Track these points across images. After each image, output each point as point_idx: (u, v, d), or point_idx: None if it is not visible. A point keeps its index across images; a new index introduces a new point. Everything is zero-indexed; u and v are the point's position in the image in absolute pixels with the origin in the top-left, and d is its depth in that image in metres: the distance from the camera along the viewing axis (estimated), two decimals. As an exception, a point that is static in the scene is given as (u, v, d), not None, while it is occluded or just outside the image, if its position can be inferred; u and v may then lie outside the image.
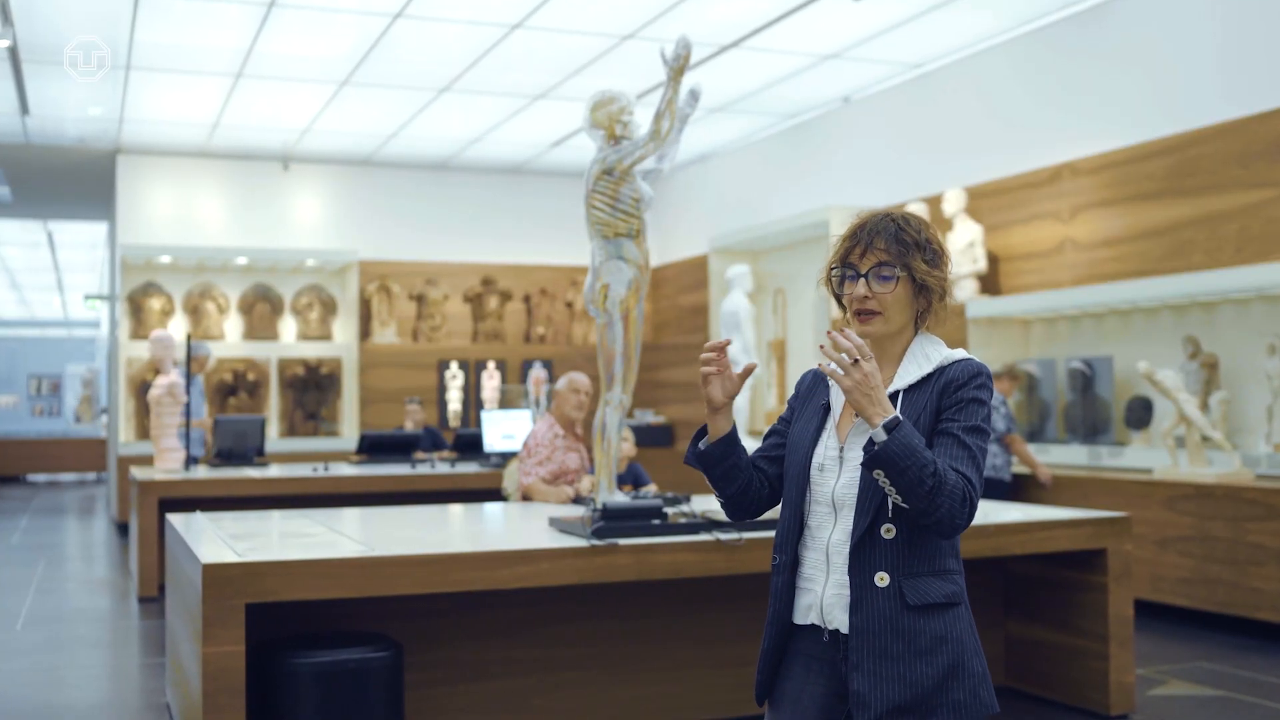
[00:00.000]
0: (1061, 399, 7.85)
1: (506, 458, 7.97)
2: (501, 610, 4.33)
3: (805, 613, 2.14)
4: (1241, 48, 6.90)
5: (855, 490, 2.07)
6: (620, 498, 4.40)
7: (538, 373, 10.66)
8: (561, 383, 5.77)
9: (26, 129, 10.86)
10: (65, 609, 7.38)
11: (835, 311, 9.50)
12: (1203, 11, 7.13)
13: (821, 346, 2.01)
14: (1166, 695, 5.04)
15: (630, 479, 5.93)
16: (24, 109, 10.06)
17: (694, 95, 4.32)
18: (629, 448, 5.99)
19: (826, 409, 2.18)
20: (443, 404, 12.23)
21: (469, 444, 8.95)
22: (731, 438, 2.17)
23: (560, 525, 4.34)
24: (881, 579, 2.04)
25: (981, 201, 8.58)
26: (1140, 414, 7.22)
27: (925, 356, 2.13)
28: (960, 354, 2.13)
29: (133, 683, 5.54)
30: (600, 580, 3.98)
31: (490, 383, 12.06)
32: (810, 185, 10.56)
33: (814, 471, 2.14)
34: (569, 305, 12.92)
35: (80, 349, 25.11)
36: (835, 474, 2.12)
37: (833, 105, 10.30)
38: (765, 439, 2.31)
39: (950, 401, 2.08)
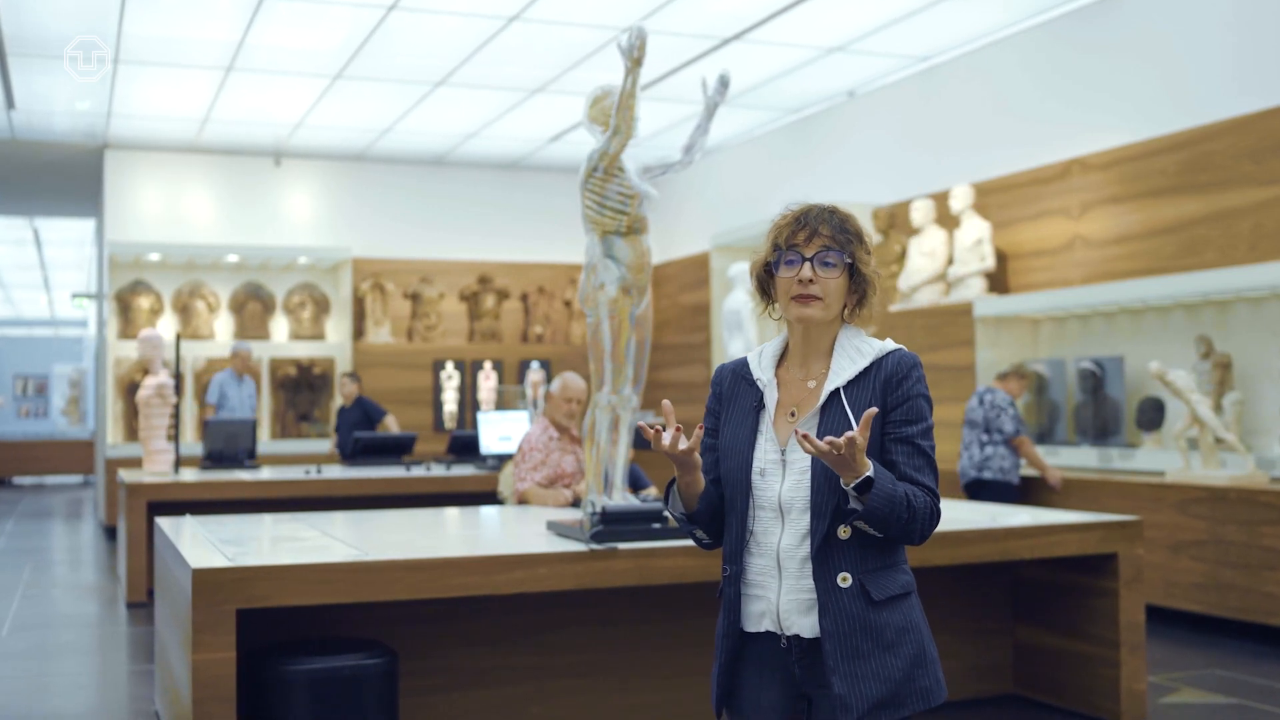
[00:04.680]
0: (1071, 400, 7.76)
1: (503, 460, 7.85)
2: (498, 616, 4.29)
3: (758, 620, 2.15)
4: (1255, 41, 6.83)
5: (802, 494, 2.10)
6: (615, 500, 4.26)
7: (535, 373, 10.54)
8: (555, 385, 5.63)
9: (12, 124, 10.77)
10: (52, 614, 7.30)
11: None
12: (1215, 4, 7.08)
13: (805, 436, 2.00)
14: (1179, 703, 4.98)
15: (629, 481, 5.78)
16: (9, 103, 10.00)
17: (723, 82, 4.18)
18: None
19: (757, 410, 2.18)
20: (438, 405, 12.11)
21: (465, 446, 8.83)
22: (709, 492, 2.20)
23: (558, 529, 4.28)
24: (844, 579, 2.07)
25: (989, 198, 8.51)
26: (1152, 415, 7.13)
27: (856, 350, 2.16)
28: (891, 345, 2.17)
29: (121, 690, 5.49)
30: (599, 585, 3.93)
31: (487, 383, 11.96)
32: (814, 181, 10.46)
33: (755, 477, 2.15)
34: (567, 304, 12.81)
35: (67, 349, 25.00)
36: (779, 478, 2.13)
37: (837, 99, 10.21)
38: (704, 460, 2.26)
39: (897, 399, 2.11)
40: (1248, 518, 6.13)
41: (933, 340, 8.41)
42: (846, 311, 2.17)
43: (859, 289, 2.15)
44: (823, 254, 2.11)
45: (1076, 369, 7.66)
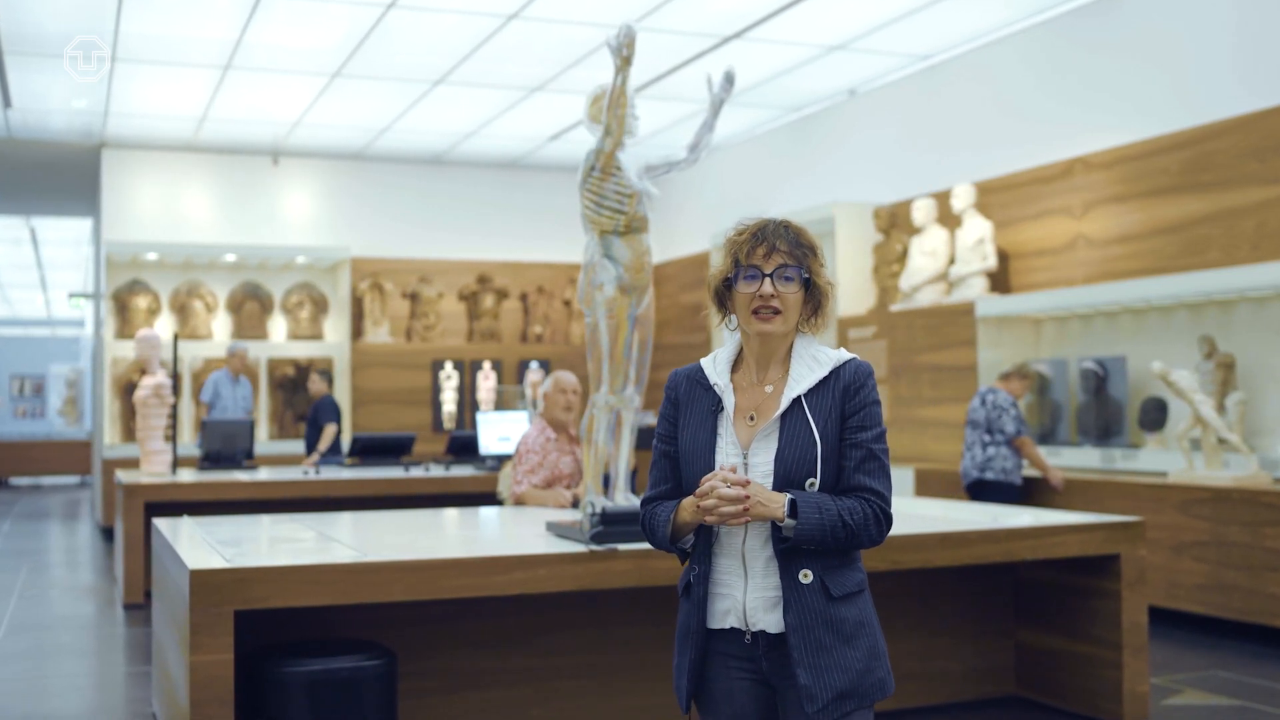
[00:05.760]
0: (1073, 400, 7.73)
1: (502, 460, 7.81)
2: (497, 618, 4.28)
3: (723, 617, 2.26)
4: (1258, 39, 6.81)
5: None
6: (615, 501, 4.23)
7: (534, 373, 10.51)
8: (548, 383, 5.58)
9: (9, 122, 10.73)
10: (49, 616, 7.27)
11: (845, 309, 9.39)
12: (1218, 3, 7.06)
13: (706, 501, 2.14)
14: (1182, 705, 4.96)
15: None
16: (6, 102, 9.96)
17: (728, 79, 4.15)
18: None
19: (715, 414, 2.27)
20: (437, 405, 12.07)
21: (464, 446, 8.80)
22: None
23: (557, 530, 4.26)
24: (805, 576, 2.18)
25: (991, 197, 8.48)
26: (1154, 415, 7.10)
27: (814, 359, 2.26)
28: (845, 354, 2.27)
29: (118, 692, 5.47)
30: (599, 587, 3.91)
31: (486, 383, 11.92)
32: (815, 180, 10.44)
33: None
34: (566, 304, 12.77)
35: (64, 349, 24.95)
36: None
37: (838, 98, 10.18)
38: (659, 467, 2.34)
39: (854, 407, 2.22)
40: (1251, 519, 6.10)
41: (934, 340, 8.38)
42: (802, 321, 2.27)
43: (814, 300, 2.26)
44: (781, 269, 2.21)
45: (1079, 369, 7.63)
